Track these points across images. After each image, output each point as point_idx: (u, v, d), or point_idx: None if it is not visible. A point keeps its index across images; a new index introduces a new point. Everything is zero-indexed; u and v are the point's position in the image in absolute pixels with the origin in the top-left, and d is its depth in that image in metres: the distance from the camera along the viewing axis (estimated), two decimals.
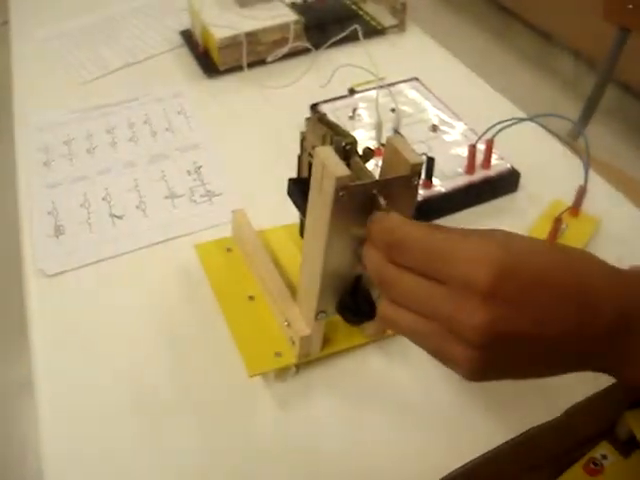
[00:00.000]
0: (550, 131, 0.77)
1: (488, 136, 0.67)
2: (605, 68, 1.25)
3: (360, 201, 0.42)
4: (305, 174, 0.53)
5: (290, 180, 0.51)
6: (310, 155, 0.50)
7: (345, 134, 0.46)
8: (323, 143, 0.47)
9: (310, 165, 0.46)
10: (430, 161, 0.65)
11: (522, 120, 0.65)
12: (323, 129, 0.48)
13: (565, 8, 2.24)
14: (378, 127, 0.70)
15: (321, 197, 0.43)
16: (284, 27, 0.89)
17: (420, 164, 0.43)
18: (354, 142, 0.45)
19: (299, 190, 0.50)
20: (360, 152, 0.46)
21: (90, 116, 0.86)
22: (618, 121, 2.14)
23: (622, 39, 1.21)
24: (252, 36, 0.88)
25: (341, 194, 0.41)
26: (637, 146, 2.11)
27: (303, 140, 0.51)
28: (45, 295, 0.63)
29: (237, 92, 0.87)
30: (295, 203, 0.51)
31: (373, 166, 0.54)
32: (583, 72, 2.25)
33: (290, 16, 0.90)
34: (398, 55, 0.93)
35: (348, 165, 0.44)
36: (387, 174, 0.45)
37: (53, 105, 0.88)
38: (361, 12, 1.02)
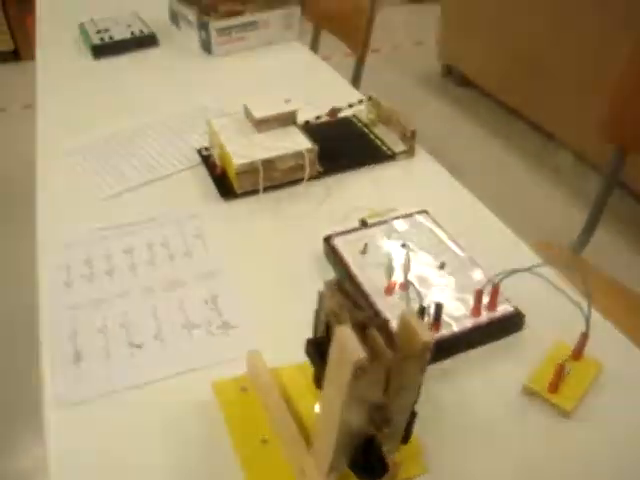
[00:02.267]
0: (552, 268, 0.80)
1: (492, 271, 0.70)
2: (607, 180, 1.30)
3: (376, 375, 0.45)
4: (321, 331, 0.56)
5: (308, 341, 0.54)
6: (327, 315, 0.54)
7: (363, 309, 0.49)
8: (341, 312, 0.50)
9: (327, 325, 0.49)
10: (438, 307, 0.68)
11: (530, 269, 0.68)
12: (342, 298, 0.51)
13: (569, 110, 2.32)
14: (388, 269, 0.74)
15: (339, 372, 0.46)
16: (299, 155, 0.94)
17: (431, 342, 0.46)
18: (371, 319, 0.48)
19: (317, 351, 0.53)
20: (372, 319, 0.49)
21: (110, 235, 0.89)
22: (626, 228, 2.19)
23: (620, 156, 1.26)
24: (269, 163, 0.93)
25: (358, 373, 0.44)
26: None
27: (321, 300, 0.55)
28: (63, 425, 0.65)
29: (253, 217, 0.91)
30: (312, 362, 0.54)
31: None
32: (590, 174, 2.32)
33: (305, 144, 0.95)
34: (408, 181, 0.98)
35: (365, 335, 0.47)
36: (400, 345, 0.48)
37: (76, 220, 0.93)
38: (372, 135, 1.07)
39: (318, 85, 1.35)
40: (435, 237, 0.83)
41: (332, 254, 0.81)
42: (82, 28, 1.61)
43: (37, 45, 1.63)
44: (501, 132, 2.75)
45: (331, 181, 0.97)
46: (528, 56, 2.56)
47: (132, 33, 1.54)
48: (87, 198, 0.97)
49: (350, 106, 1.06)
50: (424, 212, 0.88)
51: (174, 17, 1.68)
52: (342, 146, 1.04)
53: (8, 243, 2.19)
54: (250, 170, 0.92)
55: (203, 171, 1.01)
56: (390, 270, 0.74)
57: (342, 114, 1.12)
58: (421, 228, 0.85)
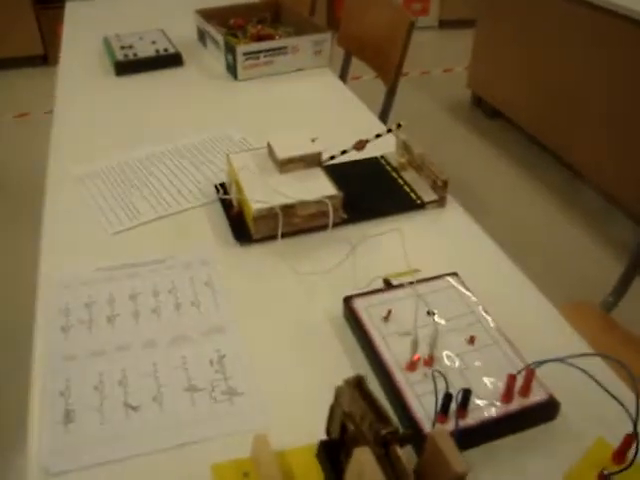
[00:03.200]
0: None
1: (525, 348, 0.63)
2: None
3: None
4: (335, 428, 0.49)
5: (321, 444, 0.47)
6: (344, 416, 0.47)
7: (386, 420, 0.42)
8: (362, 420, 0.44)
9: (342, 425, 0.43)
10: (466, 394, 0.61)
11: (568, 359, 0.61)
12: (362, 402, 0.44)
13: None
14: (413, 344, 0.67)
15: None
16: (323, 202, 0.87)
17: (465, 474, 0.39)
18: (395, 432, 0.42)
19: (329, 457, 0.46)
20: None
21: (115, 276, 0.84)
22: None
23: None
24: (289, 209, 0.86)
25: None
26: None
27: (338, 396, 0.48)
28: None
29: (268, 266, 0.85)
30: (323, 469, 0.47)
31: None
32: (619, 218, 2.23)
33: (329, 189, 0.89)
34: (437, 234, 0.92)
35: (386, 453, 0.41)
36: (426, 471, 0.41)
37: (81, 256, 0.88)
38: (401, 181, 1.00)
39: (344, 116, 1.29)
40: (465, 305, 0.76)
41: (352, 317, 0.74)
42: (106, 42, 1.56)
43: (61, 57, 1.59)
44: (530, 167, 2.67)
45: (355, 230, 0.91)
46: (559, 90, 2.49)
47: (157, 51, 1.50)
48: (95, 232, 0.91)
49: (378, 136, 0.99)
50: (454, 274, 0.81)
51: (201, 36, 1.63)
52: (369, 191, 0.98)
53: (13, 243, 2.17)
54: (269, 215, 0.86)
55: (219, 209, 0.95)
56: (415, 345, 0.67)
57: (369, 153, 1.06)
58: (450, 293, 0.78)
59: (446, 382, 0.64)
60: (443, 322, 0.74)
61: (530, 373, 0.64)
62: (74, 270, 0.84)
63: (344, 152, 0.99)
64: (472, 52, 3.05)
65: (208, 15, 1.59)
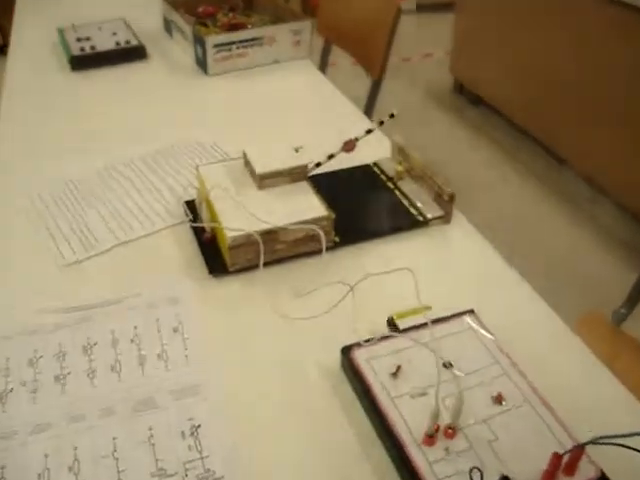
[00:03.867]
0: None
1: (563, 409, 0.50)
2: None
3: None
4: None
5: None
6: None
7: None
8: None
9: None
10: None
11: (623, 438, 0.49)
12: None
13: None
14: (434, 415, 0.54)
15: None
16: (310, 224, 0.74)
17: None
18: None
19: None
20: None
21: (66, 321, 0.69)
22: None
23: None
24: (271, 234, 0.72)
25: None
26: None
27: None
28: None
29: (247, 305, 0.71)
30: None
31: None
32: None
33: (318, 209, 0.75)
34: (444, 257, 0.79)
35: None
36: None
37: (25, 295, 0.73)
38: (398, 193, 0.87)
39: (328, 113, 1.15)
40: (487, 351, 0.64)
41: (352, 373, 0.61)
42: (61, 34, 1.40)
43: (10, 51, 1.42)
44: (515, 156, 2.56)
45: (348, 255, 0.78)
46: (545, 76, 2.37)
47: (117, 43, 1.34)
48: (43, 264, 0.77)
49: (369, 132, 0.85)
50: (470, 312, 0.68)
51: (168, 26, 1.47)
52: (362, 206, 0.84)
53: None
54: (247, 243, 0.72)
55: (189, 233, 0.81)
56: (436, 416, 0.54)
57: (359, 159, 0.92)
58: (468, 337, 0.65)
59: (478, 458, 0.51)
60: (463, 375, 0.61)
61: (578, 453, 0.51)
62: (15, 317, 0.69)
63: (331, 157, 0.85)
64: (453, 37, 2.92)
65: (175, 2, 1.43)
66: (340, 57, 1.71)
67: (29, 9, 1.72)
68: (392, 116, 0.83)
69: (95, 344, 0.68)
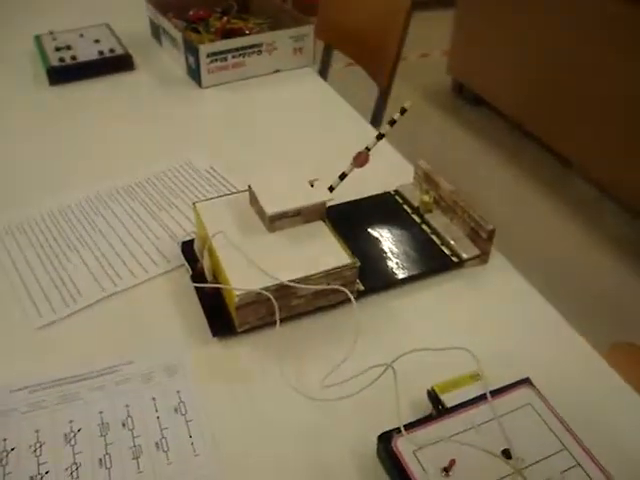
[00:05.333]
0: None
1: None
2: None
3: None
4: None
5: None
6: None
7: None
8: None
9: None
10: None
11: None
12: None
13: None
14: None
15: None
16: (331, 275, 0.62)
17: None
18: None
19: None
20: None
21: (43, 401, 0.58)
22: None
23: None
24: (286, 289, 0.61)
25: None
26: None
27: None
28: None
29: (260, 375, 0.60)
30: None
31: None
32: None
33: (339, 256, 0.63)
34: (483, 307, 0.68)
35: None
36: None
37: None
38: (426, 228, 0.76)
39: (335, 129, 1.03)
40: (550, 433, 0.54)
41: (394, 468, 0.50)
42: (38, 42, 1.27)
43: None
44: (516, 158, 2.46)
45: (374, 305, 0.67)
46: (547, 76, 2.26)
47: (101, 52, 1.21)
48: (15, 325, 0.65)
49: (380, 137, 0.72)
50: (526, 382, 0.57)
51: (156, 32, 1.34)
52: (387, 245, 0.73)
53: None
54: (258, 300, 0.60)
55: (186, 280, 0.69)
56: None
57: (378, 186, 0.82)
58: (526, 415, 0.55)
59: None
60: (525, 466, 0.50)
61: None
62: None
63: (344, 176, 0.73)
64: (452, 36, 2.81)
65: (163, 5, 1.31)
66: (337, 58, 1.59)
67: (3, 10, 1.58)
68: (404, 111, 0.70)
69: (79, 430, 0.56)
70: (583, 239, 2.05)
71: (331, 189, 0.72)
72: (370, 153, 0.71)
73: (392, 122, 0.70)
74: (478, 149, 2.54)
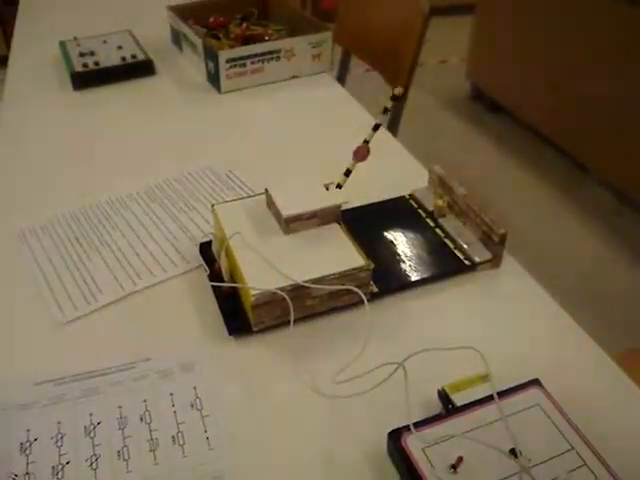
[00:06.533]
0: None
1: None
2: None
3: None
4: None
5: None
6: None
7: None
8: None
9: None
10: None
11: None
12: None
13: None
14: None
15: None
16: (346, 276, 0.63)
17: None
18: None
19: None
20: None
21: (65, 394, 0.60)
22: None
23: None
24: (300, 290, 0.62)
25: None
26: None
27: None
28: None
29: (275, 373, 0.62)
30: None
31: None
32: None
33: (354, 258, 0.65)
34: (495, 311, 0.69)
35: None
36: None
37: (19, 360, 0.64)
38: (440, 232, 0.77)
39: (354, 134, 1.04)
40: (557, 433, 0.54)
41: (403, 464, 0.51)
42: (63, 48, 1.30)
43: (9, 67, 1.33)
44: (536, 166, 2.45)
45: (390, 307, 0.68)
46: (567, 82, 2.26)
47: (123, 58, 1.24)
48: (39, 322, 0.67)
49: (376, 128, 0.72)
50: (535, 383, 0.57)
51: (176, 38, 1.37)
52: (401, 248, 0.74)
53: None
54: (273, 300, 0.61)
55: (204, 280, 0.70)
56: None
57: (391, 189, 0.83)
58: (534, 415, 0.55)
59: None
60: (532, 465, 0.51)
61: None
62: (6, 386, 0.60)
63: (349, 173, 0.74)
64: (470, 41, 2.81)
65: (183, 12, 1.33)
66: (357, 63, 1.61)
67: (31, 17, 1.62)
68: (395, 98, 0.71)
69: (99, 423, 0.58)
70: (599, 243, 2.04)
71: (339, 186, 0.73)
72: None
73: (385, 110, 0.71)
74: (496, 155, 2.54)
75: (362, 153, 0.71)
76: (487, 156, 2.54)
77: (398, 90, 0.69)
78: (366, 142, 0.71)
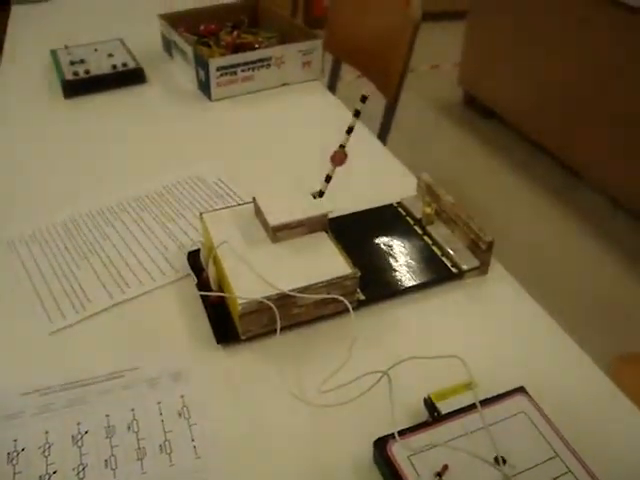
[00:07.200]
0: None
1: None
2: None
3: None
4: None
5: None
6: None
7: None
8: None
9: None
10: None
11: None
12: None
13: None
14: None
15: None
16: (331, 285, 0.64)
17: None
18: None
19: None
20: None
21: (53, 404, 0.60)
22: None
23: None
24: (287, 298, 0.63)
25: None
26: None
27: None
28: None
29: (264, 379, 0.62)
30: None
31: None
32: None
33: (340, 267, 0.65)
34: (482, 318, 0.70)
35: None
36: None
37: (6, 369, 0.64)
38: (428, 240, 0.77)
39: (339, 139, 1.05)
40: (542, 440, 0.55)
41: (390, 472, 0.51)
42: (54, 56, 1.30)
43: (0, 70, 1.33)
44: (529, 171, 2.46)
45: (376, 315, 0.68)
46: (560, 88, 2.27)
47: (114, 66, 1.24)
48: (27, 330, 0.67)
49: (350, 131, 0.72)
50: (520, 391, 0.58)
51: (167, 46, 1.38)
52: (388, 256, 0.75)
53: None
54: (260, 309, 0.62)
55: (192, 290, 0.71)
56: None
57: (380, 197, 0.84)
58: (519, 423, 0.56)
59: None
60: (516, 473, 0.51)
61: None
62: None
63: (329, 179, 0.74)
64: (463, 47, 2.83)
65: (174, 20, 1.34)
66: (349, 70, 1.62)
67: (22, 25, 1.63)
68: (364, 99, 0.70)
69: (86, 432, 0.58)
70: (592, 248, 2.05)
71: (321, 194, 0.73)
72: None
73: (357, 113, 0.70)
74: (489, 161, 2.55)
75: (339, 158, 0.71)
76: (479, 162, 2.55)
77: (366, 91, 0.69)
78: (342, 146, 0.71)
